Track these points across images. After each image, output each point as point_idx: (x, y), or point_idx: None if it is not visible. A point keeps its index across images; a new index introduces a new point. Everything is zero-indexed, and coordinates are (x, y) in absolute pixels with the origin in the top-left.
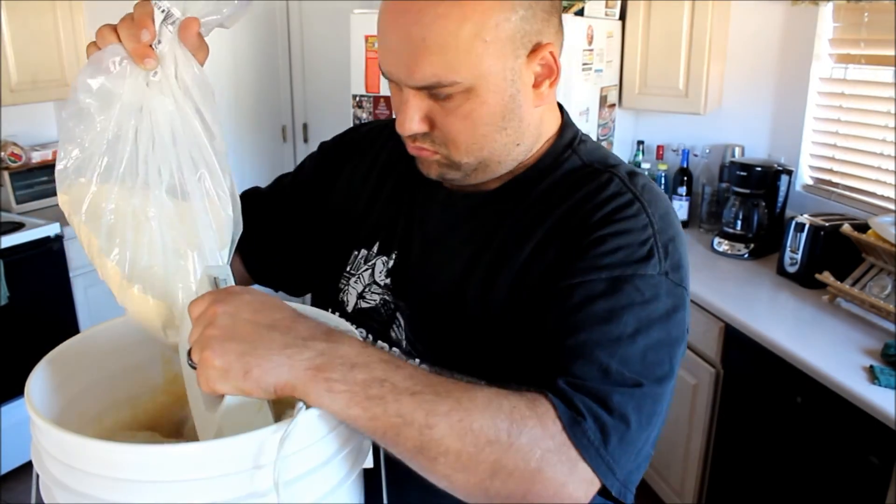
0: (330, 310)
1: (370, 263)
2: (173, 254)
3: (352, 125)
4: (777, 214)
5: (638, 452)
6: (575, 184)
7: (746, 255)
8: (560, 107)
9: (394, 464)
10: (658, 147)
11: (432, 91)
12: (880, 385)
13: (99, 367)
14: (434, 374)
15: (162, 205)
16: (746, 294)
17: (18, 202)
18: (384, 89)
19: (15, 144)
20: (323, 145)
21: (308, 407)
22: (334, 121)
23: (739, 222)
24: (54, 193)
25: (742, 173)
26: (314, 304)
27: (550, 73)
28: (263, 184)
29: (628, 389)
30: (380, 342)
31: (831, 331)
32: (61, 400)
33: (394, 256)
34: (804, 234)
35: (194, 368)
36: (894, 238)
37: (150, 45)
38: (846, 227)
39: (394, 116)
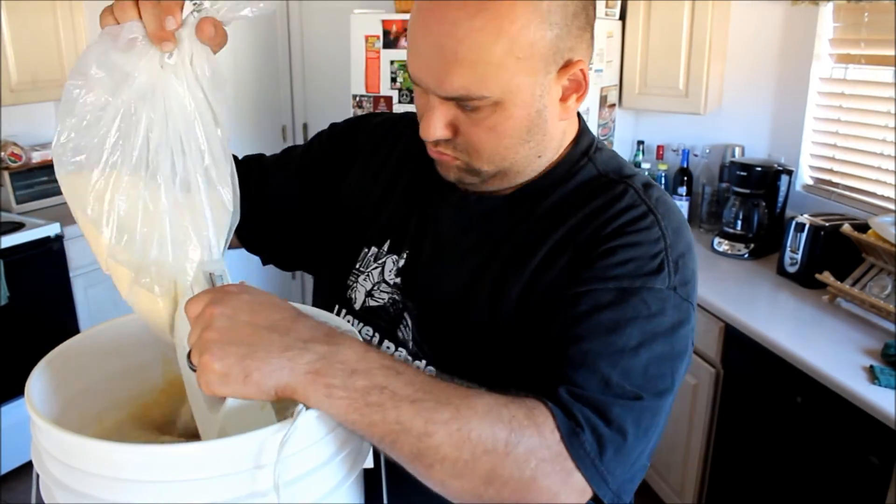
0: (337, 307)
1: (380, 262)
2: (181, 248)
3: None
4: (777, 214)
5: (633, 464)
6: (589, 194)
7: (746, 255)
8: (578, 113)
9: (394, 464)
10: (658, 147)
11: (460, 102)
12: (880, 385)
13: (99, 367)
14: (434, 380)
15: (172, 197)
16: (746, 294)
17: (18, 202)
18: (384, 89)
19: (15, 144)
20: (335, 127)
21: (308, 408)
22: (334, 121)
23: (739, 222)
24: (54, 193)
25: (742, 173)
26: (319, 298)
27: (578, 87)
28: None
29: (628, 402)
30: (386, 342)
31: (831, 331)
32: (61, 400)
33: (405, 256)
34: (804, 234)
35: (194, 371)
36: (894, 238)
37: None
38: (846, 227)
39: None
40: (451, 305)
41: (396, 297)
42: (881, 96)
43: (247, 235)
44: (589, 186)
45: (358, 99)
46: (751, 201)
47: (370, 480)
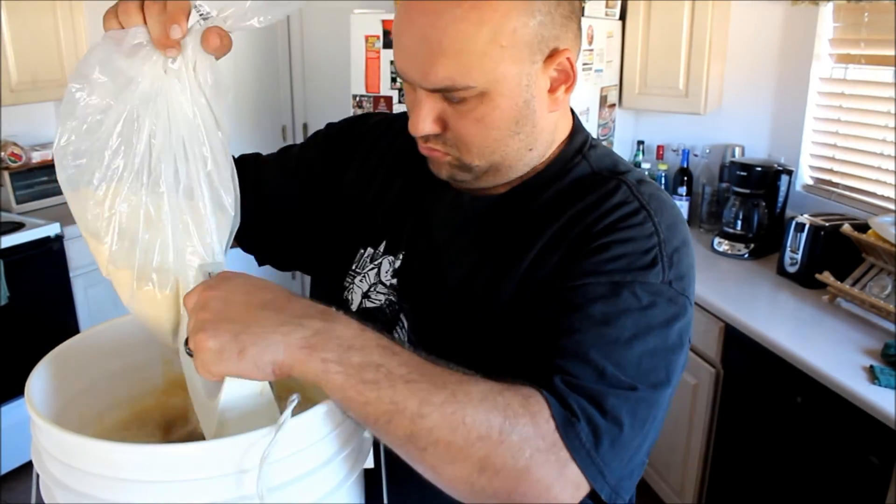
0: (333, 308)
1: (376, 262)
2: (183, 254)
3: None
4: (777, 214)
5: (630, 458)
6: (582, 191)
7: (746, 255)
8: (571, 111)
9: (394, 464)
10: (658, 147)
11: (446, 94)
12: (880, 385)
13: (99, 367)
14: (430, 363)
15: (174, 205)
16: (746, 294)
17: (18, 202)
18: (384, 89)
19: (15, 144)
20: (331, 127)
21: (298, 405)
22: (334, 121)
23: (739, 222)
24: (54, 193)
25: (742, 173)
26: (315, 299)
27: (567, 78)
28: None
29: (623, 392)
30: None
31: (831, 331)
32: (61, 400)
33: (401, 257)
34: (804, 234)
35: (191, 356)
36: (894, 238)
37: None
38: (846, 227)
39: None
40: (447, 305)
41: (393, 299)
42: (881, 96)
43: (243, 234)
44: (582, 184)
45: (358, 99)
46: (751, 201)
47: (370, 480)
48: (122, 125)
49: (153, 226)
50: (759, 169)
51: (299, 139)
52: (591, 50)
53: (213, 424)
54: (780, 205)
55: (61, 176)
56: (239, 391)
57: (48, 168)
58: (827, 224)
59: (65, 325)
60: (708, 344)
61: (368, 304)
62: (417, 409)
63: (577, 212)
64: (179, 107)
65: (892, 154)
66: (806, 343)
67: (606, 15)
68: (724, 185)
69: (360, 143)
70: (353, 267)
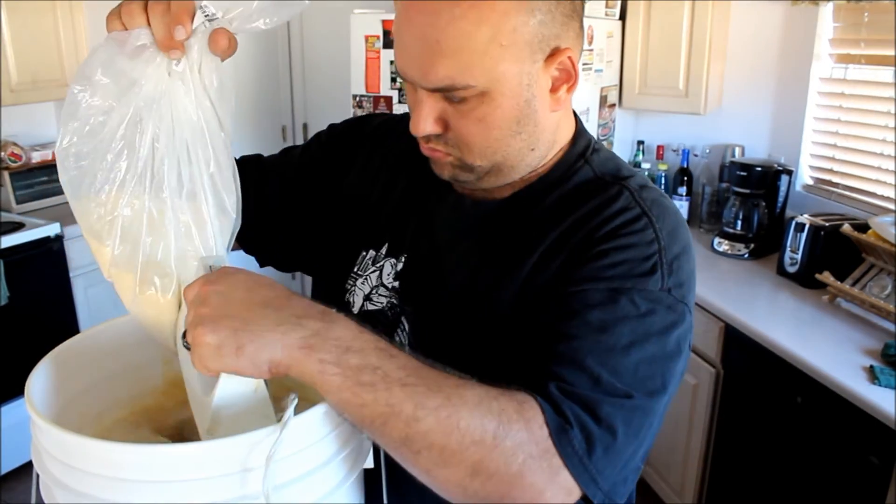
0: (335, 310)
1: (378, 265)
2: (185, 257)
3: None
4: (777, 214)
5: (624, 465)
6: (585, 196)
7: (746, 255)
8: (574, 114)
9: (394, 465)
10: (658, 147)
11: (447, 93)
12: (880, 385)
13: (99, 366)
14: (427, 367)
15: (177, 209)
16: (746, 294)
17: (18, 202)
18: (384, 89)
19: (15, 144)
20: (333, 128)
21: (297, 411)
22: (334, 121)
23: (739, 222)
24: (54, 193)
25: (742, 173)
26: (317, 301)
27: (568, 77)
28: None
29: (618, 400)
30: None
31: (831, 331)
32: (61, 400)
33: (403, 259)
34: (804, 234)
35: (189, 350)
36: (894, 238)
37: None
38: (846, 227)
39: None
40: (448, 310)
41: (394, 301)
42: (881, 96)
43: (244, 236)
44: (585, 189)
45: (358, 99)
46: (751, 201)
47: (370, 480)
48: (125, 127)
49: (156, 229)
50: (759, 169)
51: (299, 139)
52: (591, 50)
53: (206, 421)
54: (780, 205)
55: (63, 178)
56: (234, 388)
57: (48, 168)
58: (827, 224)
59: (65, 325)
60: (708, 344)
61: (370, 307)
62: (413, 413)
63: (580, 217)
64: (183, 109)
65: (892, 154)
66: (806, 343)
67: (606, 15)
68: (724, 185)
69: (362, 145)
70: (355, 269)
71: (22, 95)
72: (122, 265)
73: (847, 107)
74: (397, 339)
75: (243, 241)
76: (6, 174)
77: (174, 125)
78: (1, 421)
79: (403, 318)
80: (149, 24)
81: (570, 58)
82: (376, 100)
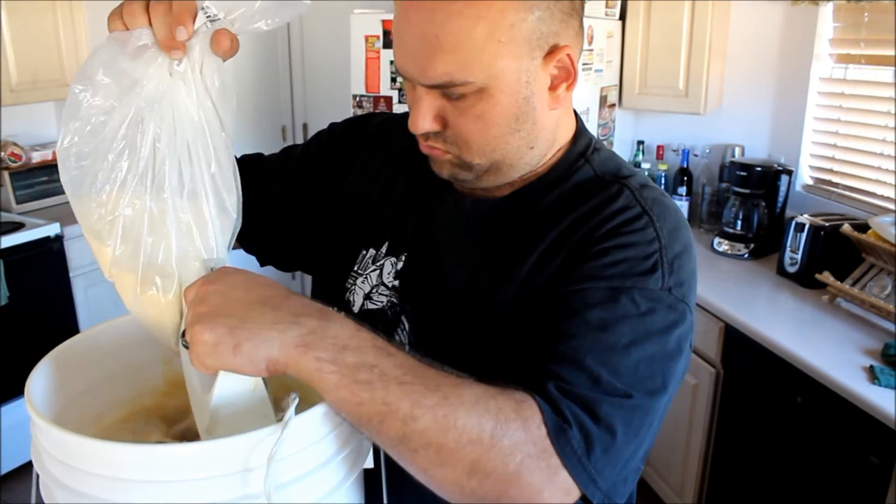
0: (335, 309)
1: (378, 264)
2: (186, 257)
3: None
4: (777, 214)
5: (624, 465)
6: (585, 195)
7: (746, 255)
8: (575, 113)
9: (394, 465)
10: (658, 147)
11: (445, 90)
12: (880, 385)
13: (99, 367)
14: (425, 366)
15: (178, 209)
16: (746, 294)
17: (18, 202)
18: (384, 89)
19: (15, 144)
20: (334, 127)
21: (297, 411)
22: (334, 121)
23: (739, 222)
24: (54, 193)
25: (742, 173)
26: (317, 300)
27: (567, 76)
28: None
29: (618, 400)
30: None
31: (831, 331)
32: (61, 400)
33: (403, 258)
34: (804, 234)
35: (187, 348)
36: (894, 238)
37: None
38: (846, 227)
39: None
40: (448, 309)
41: (394, 301)
42: (881, 96)
43: (245, 235)
44: (585, 188)
45: (358, 99)
46: (751, 201)
47: (370, 480)
48: (127, 127)
49: (157, 229)
50: (759, 169)
51: (299, 139)
52: (591, 50)
53: (205, 420)
54: (780, 205)
55: (64, 177)
56: (232, 387)
57: (48, 168)
58: (827, 224)
59: (65, 325)
60: (708, 344)
61: (370, 306)
62: (410, 411)
63: (580, 216)
64: (185, 109)
65: (892, 154)
66: (806, 343)
67: (606, 15)
68: (724, 185)
69: (363, 144)
70: (356, 268)
71: (22, 95)
72: (124, 265)
73: (847, 107)
74: (397, 338)
75: (244, 240)
76: (6, 174)
77: (175, 125)
78: (1, 421)
79: (403, 318)
80: (150, 25)
81: (569, 56)
82: (376, 100)
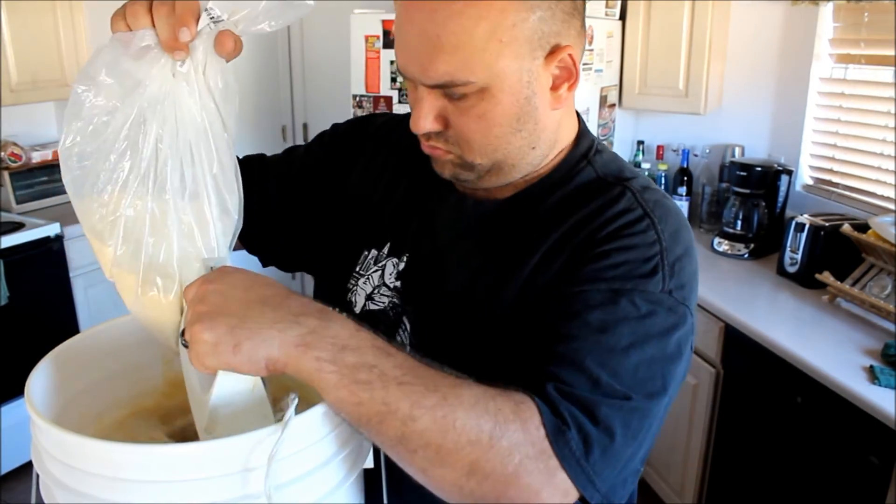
0: (337, 310)
1: (380, 265)
2: (187, 258)
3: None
4: (777, 214)
5: (623, 467)
6: (587, 197)
7: (746, 255)
8: (578, 115)
9: (394, 465)
10: (658, 147)
11: (446, 90)
12: (880, 385)
13: (99, 366)
14: (424, 366)
15: (180, 210)
16: (746, 294)
17: (18, 202)
18: (384, 89)
19: (15, 144)
20: (336, 128)
21: (297, 411)
22: (334, 121)
23: (739, 222)
24: (54, 193)
25: (742, 173)
26: (319, 301)
27: (569, 76)
28: None
29: (617, 402)
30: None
31: (831, 331)
32: (61, 400)
33: (405, 259)
34: (804, 234)
35: (187, 347)
36: (894, 238)
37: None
38: (846, 227)
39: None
40: (449, 310)
41: (396, 301)
42: (881, 96)
43: (247, 236)
44: (587, 189)
45: (358, 99)
46: (751, 201)
47: (370, 480)
48: (129, 128)
49: (158, 230)
50: (759, 169)
51: (299, 139)
52: (591, 50)
53: (203, 418)
54: (780, 205)
55: (66, 177)
56: (232, 386)
57: (48, 168)
58: (827, 224)
59: (65, 325)
60: (708, 344)
61: (372, 307)
62: (409, 412)
63: (581, 217)
64: (187, 110)
65: (892, 154)
66: (806, 343)
67: (606, 15)
68: (724, 185)
69: (365, 144)
70: (357, 269)
71: (22, 95)
72: (124, 264)
73: (847, 107)
74: (399, 339)
75: (246, 241)
76: (6, 174)
77: (178, 126)
78: (1, 421)
79: (405, 318)
80: (153, 25)
81: (570, 56)
82: (376, 100)
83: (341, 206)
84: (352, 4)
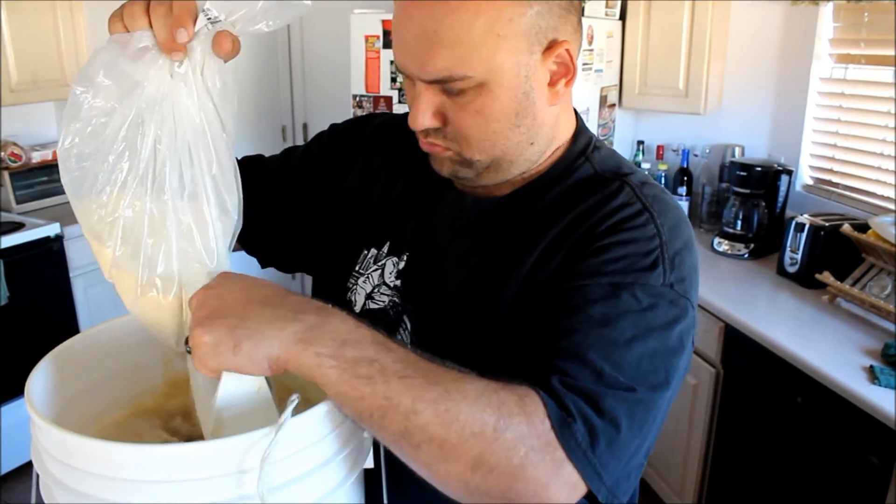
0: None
1: (380, 264)
2: (187, 259)
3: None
4: (777, 214)
5: (629, 460)
6: (585, 192)
7: (746, 255)
8: (575, 112)
9: (394, 465)
10: (658, 147)
11: (445, 85)
12: (880, 385)
13: (99, 366)
14: (425, 360)
15: (179, 211)
16: (746, 294)
17: (18, 202)
18: (384, 89)
19: (15, 144)
20: (334, 128)
21: (298, 406)
22: (334, 121)
23: (739, 222)
24: (54, 193)
25: (742, 173)
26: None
27: (567, 71)
28: None
29: (621, 393)
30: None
31: (831, 331)
32: (61, 400)
33: (405, 258)
34: (804, 234)
35: (190, 353)
36: (894, 238)
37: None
38: (846, 227)
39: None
40: (449, 308)
41: (396, 300)
42: (881, 96)
43: (246, 237)
44: (585, 185)
45: (358, 99)
46: (751, 201)
47: (370, 480)
48: (127, 129)
49: (157, 231)
50: (759, 169)
51: (299, 139)
52: (591, 50)
53: (210, 421)
54: (780, 205)
55: (65, 178)
56: (236, 388)
57: (48, 168)
58: (827, 224)
59: (65, 325)
60: (708, 344)
61: (372, 306)
62: (411, 406)
63: (580, 213)
64: (186, 111)
65: (892, 154)
66: (806, 343)
67: (606, 15)
68: (724, 185)
69: (363, 144)
70: (357, 268)
71: (22, 95)
72: (123, 265)
73: (847, 107)
74: (399, 337)
75: (245, 241)
76: (6, 174)
77: (176, 127)
78: (1, 421)
79: (405, 317)
80: (151, 27)
81: (567, 51)
82: (376, 100)
83: (340, 205)
84: (352, 4)
